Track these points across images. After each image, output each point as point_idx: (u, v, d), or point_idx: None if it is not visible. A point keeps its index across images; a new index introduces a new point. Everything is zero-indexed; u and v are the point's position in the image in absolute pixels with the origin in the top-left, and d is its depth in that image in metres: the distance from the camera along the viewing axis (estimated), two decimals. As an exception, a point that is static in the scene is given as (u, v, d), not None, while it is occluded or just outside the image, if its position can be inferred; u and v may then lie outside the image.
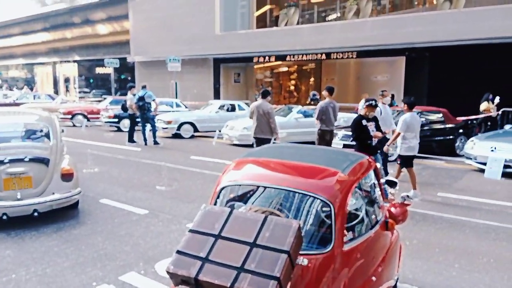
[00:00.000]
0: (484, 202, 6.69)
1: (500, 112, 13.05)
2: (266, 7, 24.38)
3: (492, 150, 8.63)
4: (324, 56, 19.45)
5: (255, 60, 21.99)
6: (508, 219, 5.84)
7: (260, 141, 8.05)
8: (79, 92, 33.03)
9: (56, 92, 34.08)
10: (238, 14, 23.14)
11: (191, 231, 2.53)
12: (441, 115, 11.09)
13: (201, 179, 8.15)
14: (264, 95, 8.20)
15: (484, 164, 8.57)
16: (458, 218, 5.83)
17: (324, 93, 8.53)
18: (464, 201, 6.75)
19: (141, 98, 12.10)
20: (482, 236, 5.21)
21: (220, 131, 13.48)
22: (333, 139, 8.76)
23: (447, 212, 6.15)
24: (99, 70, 31.66)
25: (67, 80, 35.79)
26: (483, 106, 12.68)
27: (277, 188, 2.91)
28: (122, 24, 28.00)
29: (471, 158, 9.10)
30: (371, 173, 3.32)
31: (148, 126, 12.62)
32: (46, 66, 37.22)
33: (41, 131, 6.14)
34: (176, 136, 14.30)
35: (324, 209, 2.77)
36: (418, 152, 9.90)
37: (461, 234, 5.29)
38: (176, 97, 20.86)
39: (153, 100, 12.47)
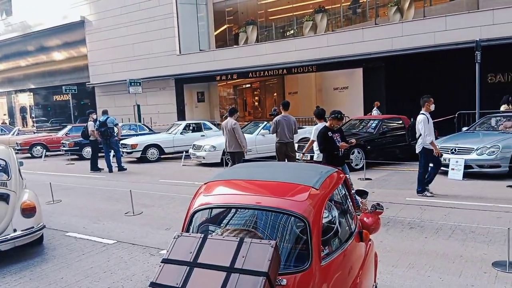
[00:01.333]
0: (450, 203, 6.91)
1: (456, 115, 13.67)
2: (225, 26, 24.65)
3: (453, 152, 8.98)
4: (285, 71, 19.81)
5: (217, 78, 22.07)
6: (474, 218, 6.05)
7: (232, 155, 8.63)
8: (37, 122, 31.85)
9: (12, 123, 32.72)
10: (197, 34, 23.22)
11: (164, 261, 2.43)
12: (401, 121, 11.48)
13: (171, 203, 7.97)
14: (231, 113, 8.68)
15: (446, 166, 8.89)
16: (427, 221, 5.98)
17: (281, 108, 8.74)
18: (431, 204, 6.95)
19: (103, 124, 11.80)
20: (452, 237, 5.36)
21: (187, 151, 13.33)
22: (294, 151, 8.70)
23: (416, 215, 6.31)
24: (56, 98, 30.72)
25: (23, 110, 34.47)
26: (502, 108, 12.89)
27: (250, 208, 2.87)
28: (79, 49, 27.43)
29: (433, 161, 9.40)
30: (342, 184, 3.35)
31: (112, 152, 12.30)
32: (0, 96, 35.75)
33: (-2, 165, 5.83)
34: (142, 160, 14.01)
35: (298, 225, 2.75)
36: (383, 159, 10.24)
37: (432, 236, 5.42)
38: (139, 120, 20.52)
39: (116, 124, 12.20)
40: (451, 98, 14.10)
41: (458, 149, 8.97)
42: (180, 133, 14.84)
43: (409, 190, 8.00)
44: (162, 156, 14.41)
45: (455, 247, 5.03)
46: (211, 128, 15.67)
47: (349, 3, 20.91)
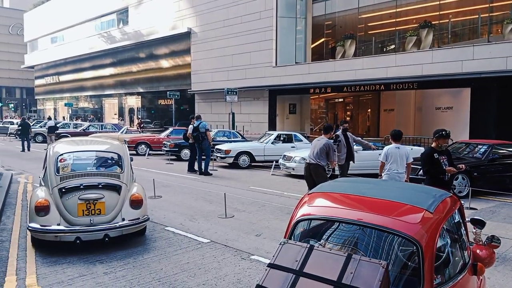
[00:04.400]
0: None
1: None
2: (322, 39, 24.63)
3: None
4: (382, 87, 19.11)
5: (311, 91, 22.07)
6: None
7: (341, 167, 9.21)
8: (142, 123, 34.81)
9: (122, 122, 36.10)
10: (294, 47, 23.53)
11: (270, 265, 2.46)
12: (516, 148, 10.34)
13: (261, 210, 8.10)
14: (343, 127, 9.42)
15: None
16: (546, 263, 5.27)
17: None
18: (551, 244, 6.12)
19: (196, 129, 12.43)
20: None
21: (277, 161, 13.49)
22: (320, 175, 7.67)
23: (532, 255, 5.60)
24: (160, 102, 33.26)
25: (131, 111, 37.89)
26: None
27: (356, 224, 2.79)
28: (184, 58, 29.43)
29: (554, 196, 8.31)
30: (456, 211, 3.11)
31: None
32: (113, 98, 39.74)
33: (113, 159, 6.40)
34: (234, 166, 14.49)
35: (408, 249, 2.60)
36: (491, 189, 9.31)
37: (552, 281, 4.76)
38: (233, 127, 21.30)
39: (207, 130, 12.59)
40: None
41: None
42: (271, 143, 15.07)
43: (523, 226, 7.15)
44: (252, 164, 14.77)
45: None
46: (302, 140, 15.67)
47: (458, 18, 19.56)
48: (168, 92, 26.32)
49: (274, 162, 13.67)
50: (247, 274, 4.81)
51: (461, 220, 3.16)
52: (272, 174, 13.17)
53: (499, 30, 17.12)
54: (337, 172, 9.74)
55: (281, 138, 15.48)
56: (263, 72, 23.08)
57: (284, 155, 13.20)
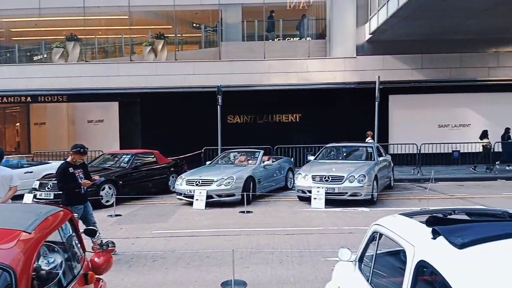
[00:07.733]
0: (191, 232, 7.45)
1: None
2: None
3: (197, 184, 9.81)
4: (29, 99, 17.65)
5: None
6: (210, 244, 6.68)
7: None
8: None
9: None
10: None
11: None
12: (153, 156, 11.87)
13: None
14: None
15: (192, 197, 9.63)
16: (169, 252, 6.23)
17: None
18: (175, 234, 7.32)
19: None
20: (190, 264, 5.74)
21: None
22: None
23: (160, 247, 6.50)
24: None
25: None
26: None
27: None
28: None
29: (181, 194, 10.05)
30: (67, 224, 3.13)
31: None
32: None
33: None
34: None
35: (5, 277, 2.38)
36: (136, 194, 10.26)
37: (172, 266, 5.67)
38: None
39: None
40: (199, 134, 15.55)
41: (201, 181, 9.86)
42: None
43: (157, 223, 8.23)
44: None
45: (192, 273, 5.40)
46: None
47: (107, 36, 20.63)
48: None
49: None
50: None
51: (73, 233, 3.21)
52: None
53: (142, 51, 19.19)
54: None
55: None
56: None
57: None
